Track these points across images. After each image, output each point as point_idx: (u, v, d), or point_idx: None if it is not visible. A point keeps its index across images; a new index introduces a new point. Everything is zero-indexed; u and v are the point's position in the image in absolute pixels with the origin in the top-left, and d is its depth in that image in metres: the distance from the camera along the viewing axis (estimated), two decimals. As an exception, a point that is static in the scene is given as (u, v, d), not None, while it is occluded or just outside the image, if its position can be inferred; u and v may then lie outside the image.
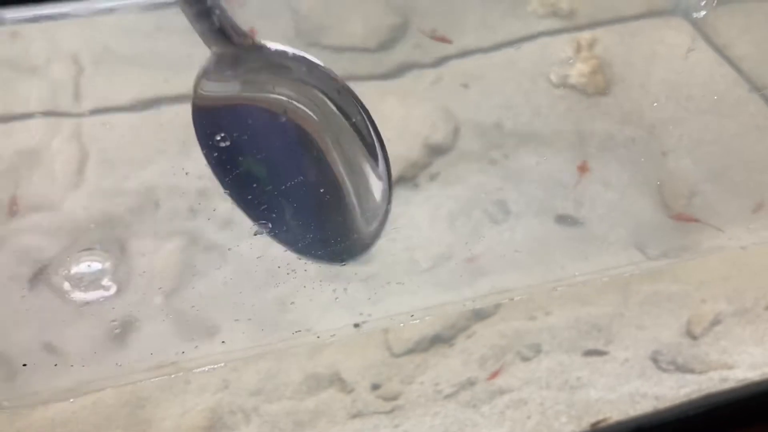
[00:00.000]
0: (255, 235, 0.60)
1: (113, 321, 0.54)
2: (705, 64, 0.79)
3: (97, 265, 0.57)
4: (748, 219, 0.65)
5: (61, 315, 0.54)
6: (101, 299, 0.55)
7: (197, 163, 0.66)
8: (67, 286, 0.56)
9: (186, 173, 0.63)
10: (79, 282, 0.56)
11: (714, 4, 0.72)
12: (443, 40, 0.79)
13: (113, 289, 0.56)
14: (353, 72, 0.76)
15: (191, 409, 0.56)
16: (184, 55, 0.76)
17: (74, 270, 0.57)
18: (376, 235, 0.50)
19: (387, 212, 0.50)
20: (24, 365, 0.51)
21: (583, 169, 0.66)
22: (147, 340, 0.54)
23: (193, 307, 0.55)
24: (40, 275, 0.56)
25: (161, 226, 0.61)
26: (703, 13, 0.72)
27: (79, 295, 0.55)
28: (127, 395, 0.55)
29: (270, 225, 0.51)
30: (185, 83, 0.74)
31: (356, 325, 0.55)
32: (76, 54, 0.74)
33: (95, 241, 0.59)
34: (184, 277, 0.57)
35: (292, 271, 0.58)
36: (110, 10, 0.78)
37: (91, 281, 0.56)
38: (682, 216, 0.65)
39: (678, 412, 0.61)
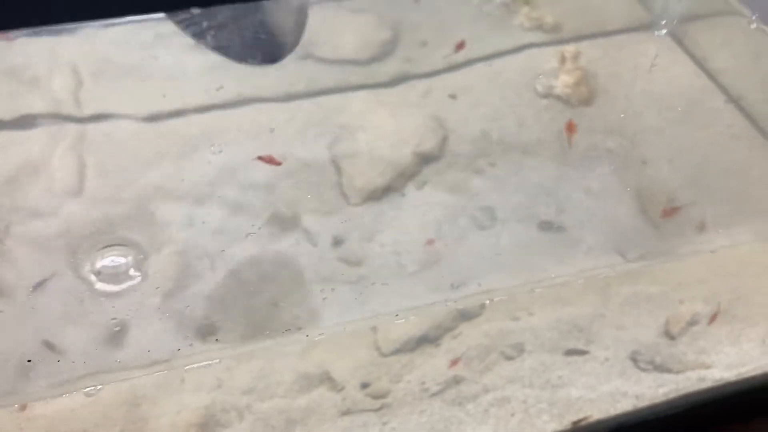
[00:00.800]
0: (246, 237, 0.62)
1: (113, 319, 0.56)
2: (685, 76, 0.81)
3: (98, 268, 0.60)
4: (723, 223, 0.67)
5: (62, 315, 0.57)
6: (101, 299, 0.57)
7: (194, 172, 0.69)
8: (69, 288, 0.58)
9: (182, 180, 0.66)
10: (81, 284, 0.58)
11: (674, 23, 0.75)
12: (460, 47, 0.82)
13: (114, 290, 0.58)
14: (346, 83, 0.79)
15: (186, 407, 0.57)
16: (181, 66, 0.79)
17: (75, 273, 0.59)
18: (295, 41, 0.61)
19: (303, 24, 0.56)
20: (29, 361, 0.53)
21: (570, 128, 0.69)
22: (145, 339, 0.56)
23: (188, 306, 0.58)
24: (43, 280, 0.59)
25: (159, 232, 0.63)
26: (663, 31, 0.75)
27: (78, 297, 0.58)
28: (125, 394, 0.57)
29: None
30: (182, 94, 0.76)
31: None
32: (76, 66, 0.77)
33: (96, 246, 0.61)
34: (180, 279, 0.60)
35: (283, 273, 0.60)
36: (109, 24, 0.80)
37: (93, 283, 0.59)
38: (669, 211, 0.68)
39: (657, 410, 0.63)
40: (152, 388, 0.57)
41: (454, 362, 0.60)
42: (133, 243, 0.62)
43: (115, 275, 0.60)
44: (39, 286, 0.59)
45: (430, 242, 0.64)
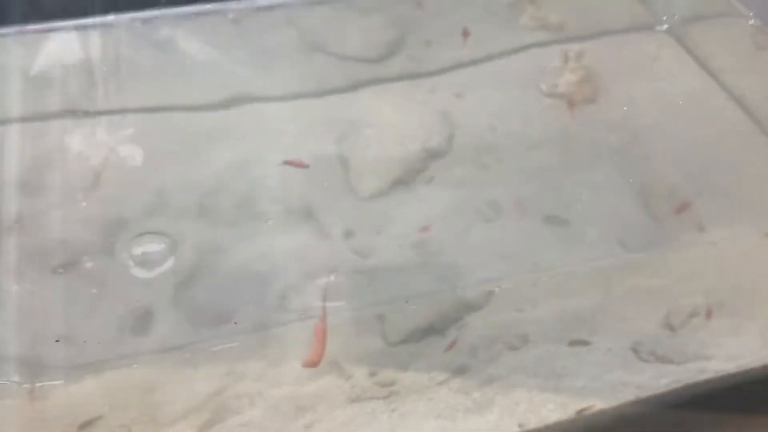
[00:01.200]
0: (258, 229, 0.64)
1: (136, 302, 0.58)
2: (687, 75, 0.83)
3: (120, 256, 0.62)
4: (723, 218, 0.69)
5: (84, 299, 0.59)
6: (119, 286, 0.59)
7: (206, 166, 0.70)
8: (89, 275, 0.60)
9: (195, 175, 0.68)
10: (101, 271, 0.60)
11: (675, 21, 0.77)
12: (465, 34, 0.84)
13: (133, 278, 0.60)
14: (354, 81, 0.81)
15: (199, 393, 0.59)
16: (193, 64, 0.81)
17: (94, 261, 0.61)
18: None
19: None
20: (57, 341, 0.55)
21: (572, 103, 0.70)
22: (161, 326, 0.58)
23: (204, 295, 0.59)
24: (68, 265, 0.61)
25: (173, 223, 0.65)
26: (665, 26, 0.77)
27: (100, 284, 0.60)
28: (139, 380, 0.58)
29: None
30: (194, 90, 0.78)
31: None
32: (92, 63, 0.78)
33: (115, 237, 0.63)
34: (196, 269, 0.61)
35: (296, 262, 0.62)
36: (123, 23, 0.82)
37: (111, 269, 0.61)
38: (682, 206, 0.69)
39: (659, 401, 0.64)
40: (166, 374, 0.58)
41: (450, 345, 0.62)
42: (150, 234, 0.64)
43: (134, 264, 0.62)
44: (64, 268, 0.61)
45: (430, 232, 0.65)
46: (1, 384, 0.55)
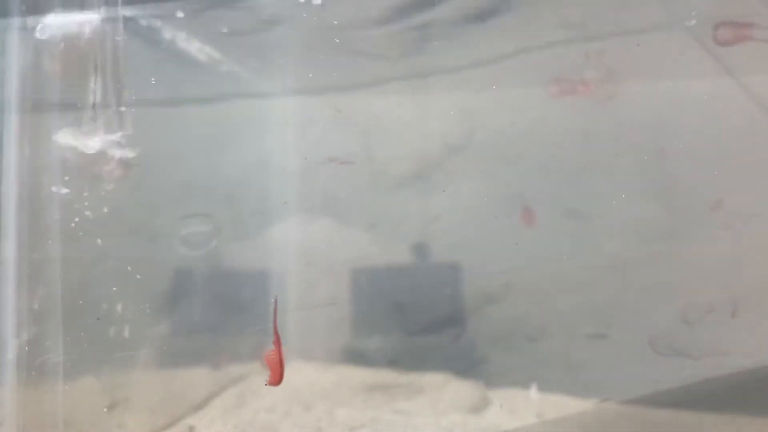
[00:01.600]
0: (282, 219, 0.65)
1: (162, 290, 0.59)
2: (706, 73, 0.83)
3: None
4: (742, 214, 0.69)
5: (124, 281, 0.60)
6: (146, 271, 0.60)
7: (231, 158, 0.72)
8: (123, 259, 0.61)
9: (220, 167, 0.69)
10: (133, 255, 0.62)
11: (696, 18, 0.78)
12: (482, 18, 0.84)
13: (163, 266, 0.62)
14: (377, 76, 0.82)
15: (221, 379, 0.60)
16: (211, 60, 0.82)
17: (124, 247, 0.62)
18: None
19: None
20: (98, 319, 0.56)
21: (586, 87, 0.71)
22: (192, 308, 0.59)
23: (231, 279, 0.61)
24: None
25: (200, 206, 0.66)
26: (686, 26, 0.78)
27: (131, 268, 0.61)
28: (166, 362, 0.60)
29: None
30: (217, 83, 0.79)
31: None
32: (114, 54, 0.80)
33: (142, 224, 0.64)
34: (221, 257, 0.63)
35: (320, 253, 0.63)
36: (140, 15, 0.83)
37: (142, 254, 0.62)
38: (715, 205, 0.70)
39: (676, 395, 0.64)
40: (188, 360, 0.59)
41: (455, 338, 0.62)
42: (178, 222, 0.65)
43: (179, 244, 0.63)
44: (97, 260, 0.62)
45: (447, 223, 0.66)
46: (31, 365, 0.56)
